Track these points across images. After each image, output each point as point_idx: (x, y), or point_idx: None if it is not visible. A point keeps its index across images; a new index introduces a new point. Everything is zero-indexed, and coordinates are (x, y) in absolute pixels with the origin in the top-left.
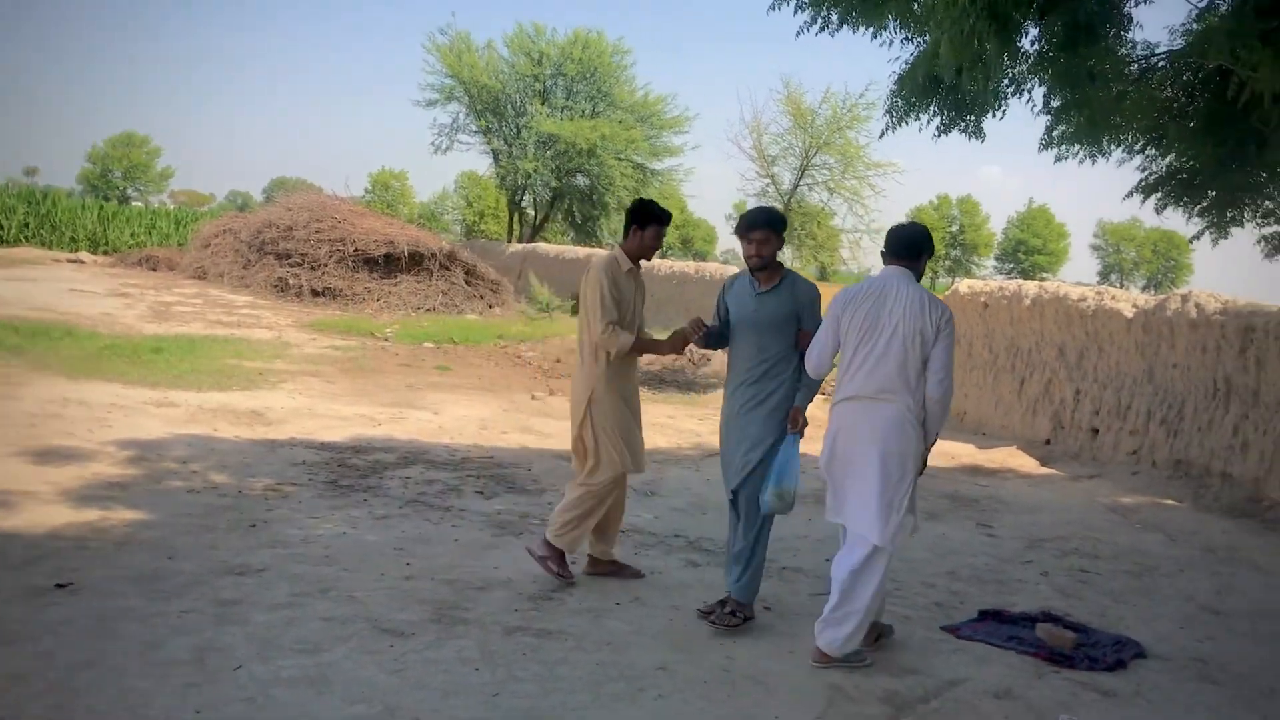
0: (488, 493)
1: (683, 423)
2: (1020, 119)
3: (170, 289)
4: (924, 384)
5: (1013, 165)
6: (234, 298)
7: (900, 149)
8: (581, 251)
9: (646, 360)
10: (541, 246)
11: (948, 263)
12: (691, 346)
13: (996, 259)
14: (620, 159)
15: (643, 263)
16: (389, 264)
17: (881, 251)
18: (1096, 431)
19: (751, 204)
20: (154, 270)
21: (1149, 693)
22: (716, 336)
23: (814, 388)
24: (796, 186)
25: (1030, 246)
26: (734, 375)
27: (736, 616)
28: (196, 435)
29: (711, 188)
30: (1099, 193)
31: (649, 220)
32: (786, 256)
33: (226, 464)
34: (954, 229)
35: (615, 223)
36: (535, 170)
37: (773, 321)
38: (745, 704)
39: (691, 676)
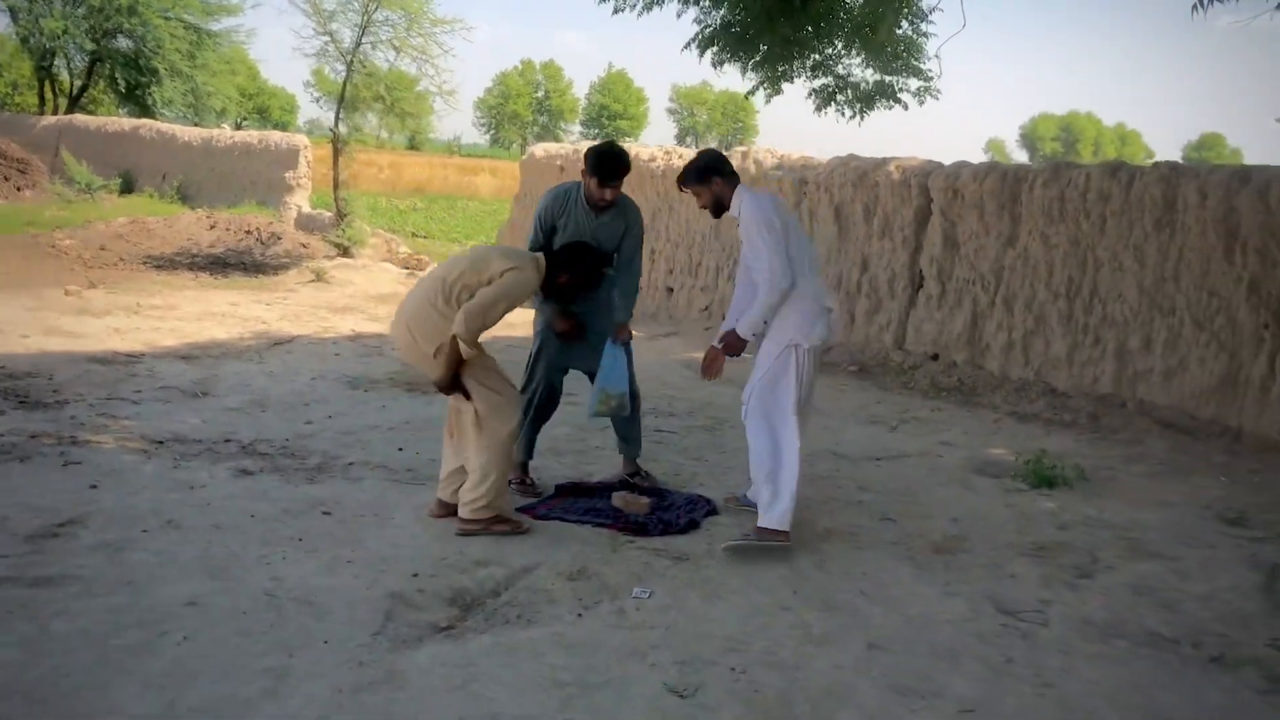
0: None
1: (247, 309)
2: None
3: None
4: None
5: (590, 31)
6: None
7: (477, 11)
8: (127, 123)
9: (209, 242)
10: (80, 119)
11: (536, 129)
12: None
13: (582, 124)
14: (168, 18)
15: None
16: None
17: (719, 178)
18: (671, 290)
19: (313, 65)
20: None
21: (719, 552)
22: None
23: (632, 303)
24: (359, 45)
25: (613, 111)
26: None
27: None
28: None
29: (286, 51)
30: (673, 57)
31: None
32: (373, 124)
33: None
34: (540, 94)
35: (169, 90)
36: (65, 31)
37: (611, 242)
38: (290, 632)
39: (228, 608)
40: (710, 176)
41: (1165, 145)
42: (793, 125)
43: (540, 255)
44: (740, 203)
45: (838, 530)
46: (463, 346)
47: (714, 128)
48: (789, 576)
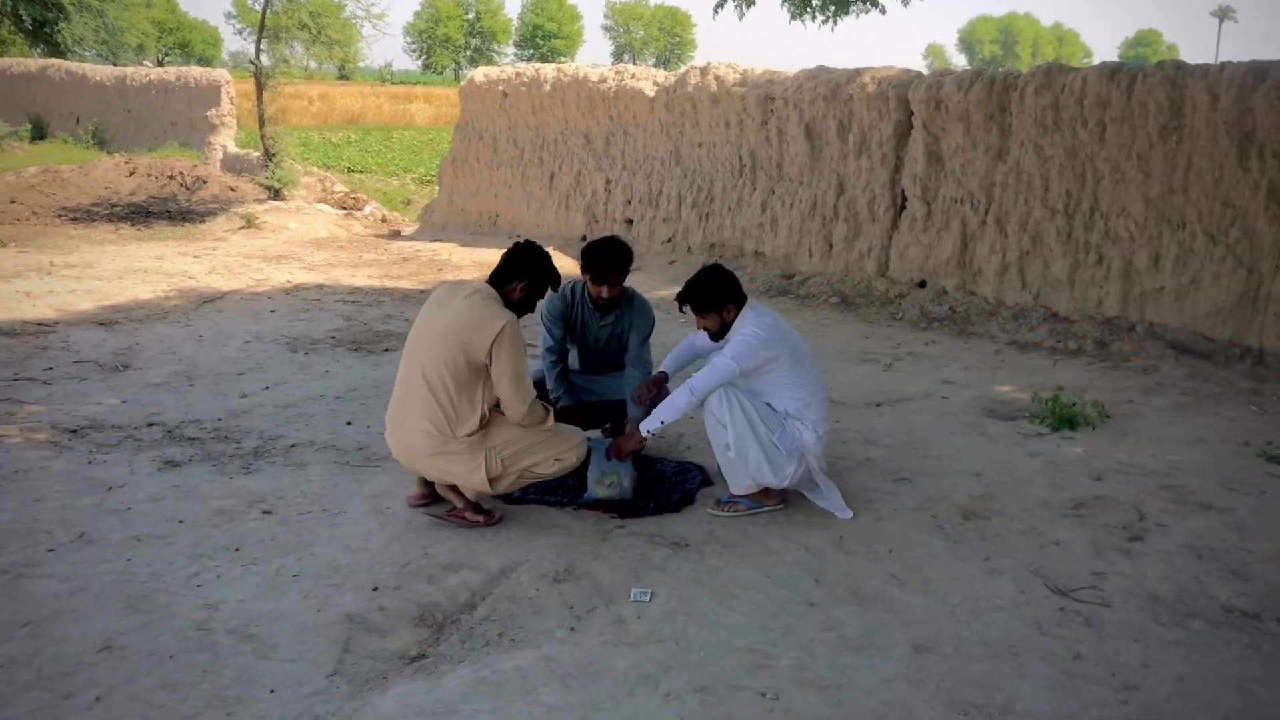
0: None
1: (173, 263)
2: None
3: None
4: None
5: None
6: None
7: None
8: (34, 64)
9: (129, 190)
10: None
11: (469, 53)
12: None
13: (516, 45)
14: None
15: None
16: None
17: (733, 305)
18: (631, 222)
19: None
20: None
21: (721, 533)
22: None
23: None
24: None
25: (546, 31)
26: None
27: None
28: None
29: None
30: None
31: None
32: (299, 54)
33: None
34: (470, 16)
35: (79, 26)
36: None
37: (619, 344)
38: (227, 680)
39: (151, 651)
40: (725, 304)
41: (1102, 44)
42: (724, 38)
43: (488, 286)
44: (743, 318)
45: (851, 496)
46: (541, 424)
47: (650, 44)
48: (807, 561)
